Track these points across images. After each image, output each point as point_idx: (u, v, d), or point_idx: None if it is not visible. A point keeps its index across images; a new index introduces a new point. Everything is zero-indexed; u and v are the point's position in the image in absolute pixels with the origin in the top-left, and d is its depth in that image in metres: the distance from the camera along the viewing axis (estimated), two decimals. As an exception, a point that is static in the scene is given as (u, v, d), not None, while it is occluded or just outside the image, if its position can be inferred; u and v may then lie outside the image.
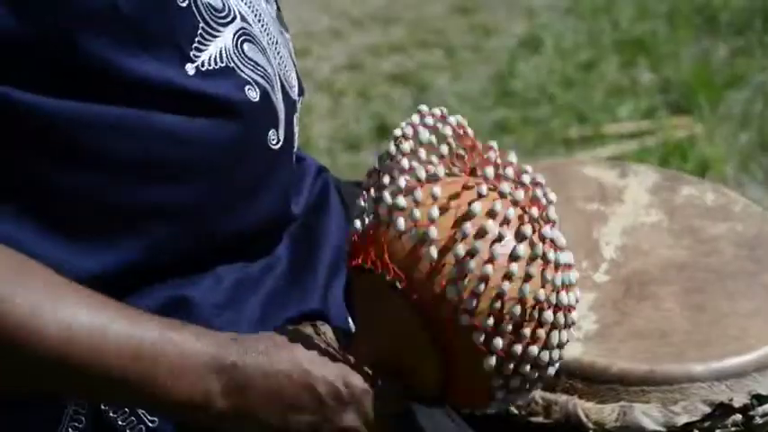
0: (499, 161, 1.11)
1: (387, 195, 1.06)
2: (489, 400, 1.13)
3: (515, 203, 1.07)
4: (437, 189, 1.05)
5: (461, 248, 1.03)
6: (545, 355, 1.10)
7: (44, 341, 1.01)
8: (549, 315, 1.08)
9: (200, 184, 1.14)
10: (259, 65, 1.17)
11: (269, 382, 1.07)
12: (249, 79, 1.15)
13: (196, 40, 1.12)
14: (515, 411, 1.32)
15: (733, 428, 1.33)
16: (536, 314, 1.07)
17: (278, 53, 1.23)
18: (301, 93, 1.31)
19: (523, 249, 1.05)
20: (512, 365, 1.08)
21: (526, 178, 1.10)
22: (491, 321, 1.05)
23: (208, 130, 1.12)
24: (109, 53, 1.06)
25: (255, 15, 1.20)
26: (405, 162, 1.07)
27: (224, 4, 1.15)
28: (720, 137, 3.11)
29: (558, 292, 1.08)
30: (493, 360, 1.06)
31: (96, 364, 1.02)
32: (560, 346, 1.11)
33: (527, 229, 1.06)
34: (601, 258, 1.50)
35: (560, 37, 3.62)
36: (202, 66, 1.12)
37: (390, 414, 1.12)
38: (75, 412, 1.14)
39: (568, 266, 1.09)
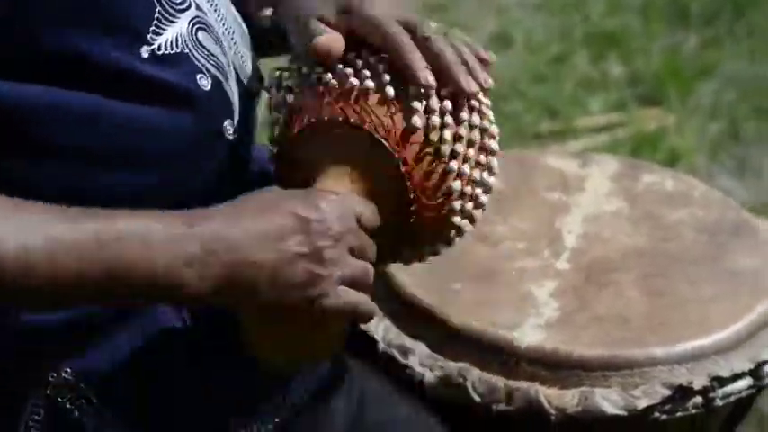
0: None
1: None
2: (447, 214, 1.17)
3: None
4: None
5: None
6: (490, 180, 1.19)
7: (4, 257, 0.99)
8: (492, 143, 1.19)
9: (154, 172, 1.14)
10: (212, 54, 1.17)
11: (245, 226, 1.05)
12: (202, 67, 1.15)
13: (153, 23, 1.12)
14: (477, 399, 1.33)
15: (694, 410, 1.34)
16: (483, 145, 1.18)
17: (234, 43, 1.23)
18: (260, 84, 1.31)
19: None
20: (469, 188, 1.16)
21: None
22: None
23: (159, 117, 1.12)
24: (65, 35, 1.07)
25: (211, 5, 1.21)
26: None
27: None
28: (691, 128, 3.12)
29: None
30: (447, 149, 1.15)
31: (61, 270, 1.00)
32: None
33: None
34: (563, 247, 1.51)
35: (531, 32, 3.62)
36: (158, 49, 1.12)
37: (364, 225, 1.11)
38: (35, 405, 1.15)
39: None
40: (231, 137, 1.19)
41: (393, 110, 1.13)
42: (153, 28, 1.12)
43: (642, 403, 1.32)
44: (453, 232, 1.19)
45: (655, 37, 3.54)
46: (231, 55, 1.21)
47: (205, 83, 1.15)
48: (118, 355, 1.17)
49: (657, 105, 3.23)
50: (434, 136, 1.13)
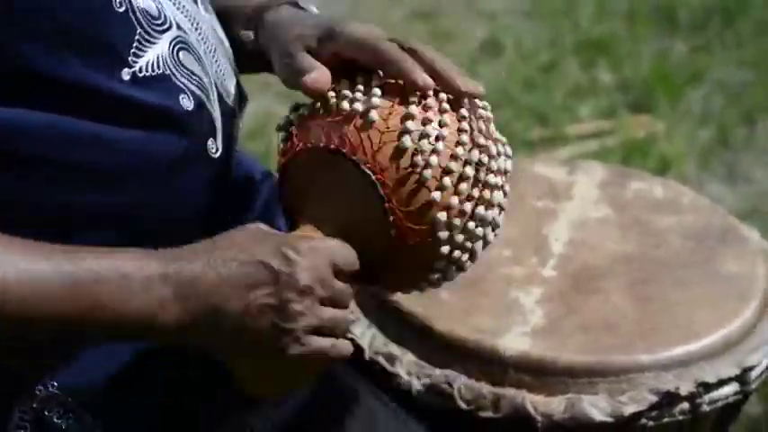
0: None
1: (360, 95, 1.13)
2: (433, 257, 1.14)
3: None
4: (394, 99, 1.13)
5: (413, 135, 1.11)
6: (489, 214, 1.15)
7: None
8: (490, 178, 1.14)
9: (136, 192, 1.14)
10: (194, 74, 1.17)
11: (218, 272, 1.06)
12: (184, 88, 1.15)
13: (134, 45, 1.12)
14: (464, 406, 1.33)
15: (680, 417, 1.34)
16: (479, 178, 1.13)
17: (215, 61, 1.23)
18: (243, 101, 1.31)
19: (465, 136, 1.13)
20: (458, 220, 1.12)
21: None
22: (443, 180, 1.11)
23: (143, 138, 1.12)
24: (42, 58, 1.06)
25: (192, 24, 1.20)
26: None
27: (160, 12, 1.15)
28: (680, 134, 3.12)
29: (494, 162, 1.15)
30: (443, 215, 1.11)
31: (35, 307, 1.01)
32: (498, 206, 1.17)
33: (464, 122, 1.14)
34: (549, 254, 1.51)
35: (520, 39, 3.63)
36: (139, 72, 1.12)
37: (341, 270, 1.11)
38: (21, 419, 1.15)
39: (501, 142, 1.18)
40: (215, 155, 1.19)
41: (375, 132, 1.12)
42: (134, 50, 1.12)
43: (629, 409, 1.32)
44: (444, 263, 1.15)
45: (642, 43, 3.54)
46: (213, 73, 1.21)
47: (188, 103, 1.15)
48: (104, 367, 1.17)
49: (647, 112, 3.24)
50: (419, 159, 1.11)
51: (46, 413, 1.15)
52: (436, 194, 1.11)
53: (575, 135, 3.17)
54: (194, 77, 1.16)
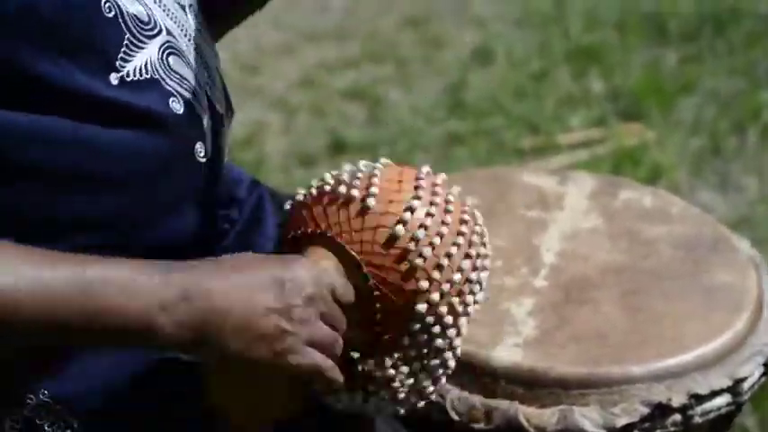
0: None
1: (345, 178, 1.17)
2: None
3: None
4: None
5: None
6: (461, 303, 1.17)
7: None
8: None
9: (123, 195, 1.14)
10: (184, 78, 1.17)
11: (225, 276, 1.07)
12: (174, 92, 1.15)
13: (122, 50, 1.12)
14: (456, 418, 1.33)
15: (672, 428, 1.34)
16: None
17: (205, 68, 1.23)
18: (230, 108, 1.31)
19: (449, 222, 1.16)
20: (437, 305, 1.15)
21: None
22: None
23: (131, 141, 1.12)
24: (30, 60, 1.06)
25: (182, 30, 1.21)
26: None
27: (150, 18, 1.16)
28: (672, 143, 3.13)
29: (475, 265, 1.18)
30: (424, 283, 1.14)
31: (41, 307, 1.00)
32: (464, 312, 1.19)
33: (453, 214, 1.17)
34: (541, 264, 1.51)
35: (511, 48, 3.63)
36: (127, 76, 1.12)
37: (338, 298, 1.12)
38: (12, 428, 1.15)
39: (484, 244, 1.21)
40: (202, 159, 1.19)
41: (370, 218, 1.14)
42: (122, 55, 1.12)
43: (621, 421, 1.31)
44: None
45: (633, 52, 3.55)
46: (203, 78, 1.21)
47: (178, 107, 1.15)
48: (96, 376, 1.17)
49: (638, 121, 3.25)
50: (413, 256, 1.13)
51: (37, 421, 1.15)
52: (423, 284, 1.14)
53: (566, 144, 3.17)
54: (185, 81, 1.17)
